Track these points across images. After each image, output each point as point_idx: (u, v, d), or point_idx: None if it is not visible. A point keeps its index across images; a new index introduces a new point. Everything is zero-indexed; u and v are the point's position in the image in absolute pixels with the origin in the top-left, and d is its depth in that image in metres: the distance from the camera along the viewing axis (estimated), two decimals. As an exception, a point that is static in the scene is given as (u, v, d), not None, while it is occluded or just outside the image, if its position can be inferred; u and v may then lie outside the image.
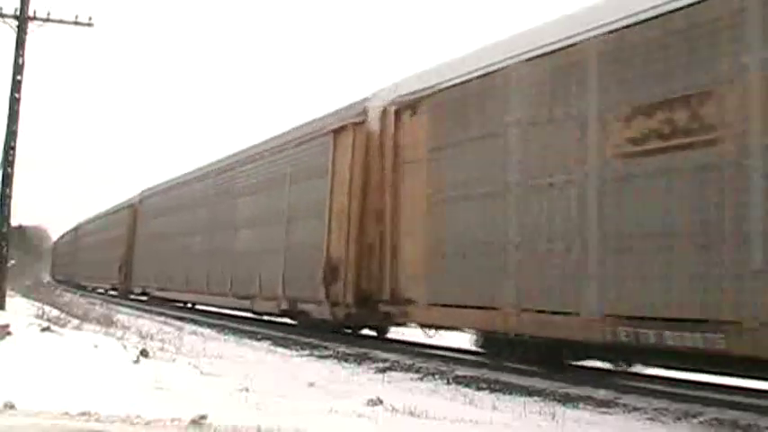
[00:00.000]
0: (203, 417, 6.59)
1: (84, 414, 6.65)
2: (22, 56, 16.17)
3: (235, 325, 19.95)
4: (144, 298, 32.32)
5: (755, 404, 8.32)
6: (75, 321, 14.87)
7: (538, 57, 10.74)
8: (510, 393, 9.57)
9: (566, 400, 9.04)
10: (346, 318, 15.30)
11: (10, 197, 16.28)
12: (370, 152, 14.76)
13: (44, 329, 11.26)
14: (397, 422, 7.25)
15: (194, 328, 19.16)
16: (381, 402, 7.88)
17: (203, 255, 24.72)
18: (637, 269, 9.06)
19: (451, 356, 12.88)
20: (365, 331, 16.91)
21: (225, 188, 23.50)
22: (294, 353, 14.30)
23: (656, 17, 9.10)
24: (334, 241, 15.39)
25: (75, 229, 59.26)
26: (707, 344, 8.13)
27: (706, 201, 8.36)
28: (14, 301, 18.74)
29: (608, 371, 10.89)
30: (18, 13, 16.18)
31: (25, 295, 23.56)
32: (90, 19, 16.98)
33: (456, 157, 12.26)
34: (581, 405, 8.76)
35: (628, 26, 9.46)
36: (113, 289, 38.98)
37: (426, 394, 9.36)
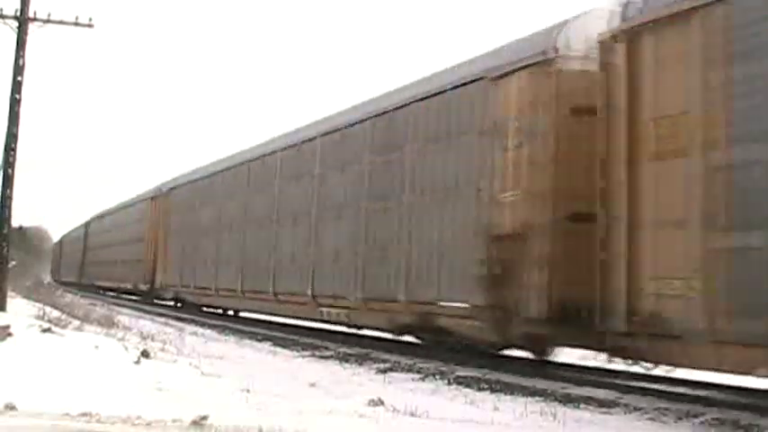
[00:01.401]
0: (204, 417, 6.60)
1: (85, 415, 6.66)
2: (23, 57, 16.15)
3: (236, 326, 19.95)
4: None
5: (756, 404, 8.31)
6: (76, 322, 14.86)
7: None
8: (511, 394, 9.57)
9: (567, 400, 9.04)
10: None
11: (10, 198, 16.25)
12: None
13: (45, 330, 11.26)
14: (398, 422, 7.25)
15: (195, 329, 19.17)
16: (382, 403, 7.89)
17: None
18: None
19: (452, 357, 12.88)
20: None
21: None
22: (295, 353, 14.31)
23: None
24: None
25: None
26: None
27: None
28: (15, 302, 18.74)
29: (609, 371, 10.89)
30: (18, 14, 16.17)
31: (26, 296, 23.56)
32: (90, 20, 16.94)
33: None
34: (582, 405, 8.76)
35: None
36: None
37: (427, 395, 9.37)
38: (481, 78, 11.97)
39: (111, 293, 37.74)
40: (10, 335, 10.20)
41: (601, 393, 9.29)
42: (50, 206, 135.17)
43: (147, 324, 18.46)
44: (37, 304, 18.45)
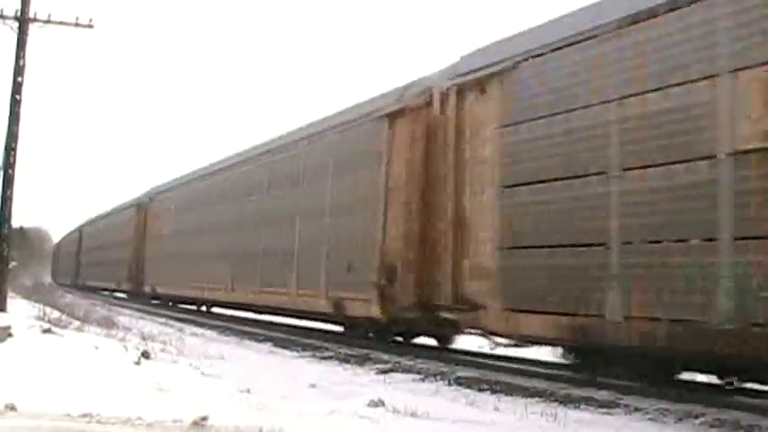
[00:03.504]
0: (205, 418, 6.59)
1: (85, 415, 6.65)
2: (23, 58, 16.17)
3: (236, 326, 19.94)
4: None
5: (757, 405, 8.31)
6: (77, 323, 14.87)
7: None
8: (511, 394, 9.56)
9: (567, 400, 9.03)
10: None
11: (11, 199, 16.27)
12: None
13: (45, 331, 11.26)
14: (398, 423, 7.25)
15: (195, 329, 19.17)
16: (383, 403, 7.88)
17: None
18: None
19: (453, 358, 12.87)
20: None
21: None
22: (295, 354, 14.30)
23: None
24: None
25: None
26: None
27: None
28: (15, 302, 18.75)
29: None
30: (19, 14, 16.18)
31: (26, 297, 23.56)
32: (90, 21, 16.98)
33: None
34: (582, 406, 8.75)
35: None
36: None
37: (428, 395, 9.36)
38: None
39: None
40: (10, 335, 10.20)
41: (601, 394, 9.28)
42: (51, 207, 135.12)
43: (148, 325, 18.45)
44: (37, 305, 18.46)
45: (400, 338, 15.09)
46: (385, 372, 11.66)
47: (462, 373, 11.18)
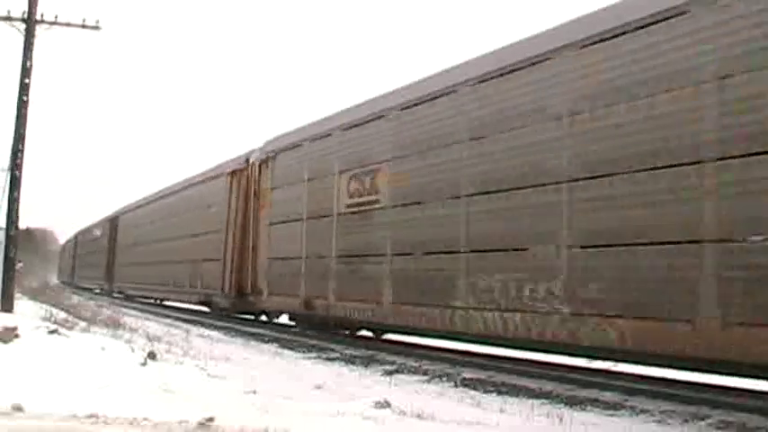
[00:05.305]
0: (210, 419, 6.61)
1: (91, 416, 6.67)
2: (30, 59, 16.20)
3: (242, 327, 19.97)
4: None
5: (763, 407, 8.28)
6: (83, 324, 14.91)
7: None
8: (517, 396, 9.56)
9: (573, 402, 9.02)
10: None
11: (18, 200, 16.30)
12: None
13: (52, 332, 11.29)
14: (404, 424, 7.25)
15: (201, 330, 19.20)
16: (389, 405, 7.89)
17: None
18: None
19: (459, 359, 12.86)
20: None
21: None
22: (301, 355, 14.32)
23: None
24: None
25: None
26: None
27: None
28: (22, 303, 18.79)
29: (615, 372, 10.87)
30: (26, 16, 16.21)
31: (33, 297, 23.62)
32: (97, 22, 16.99)
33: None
34: (588, 407, 8.74)
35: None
36: None
37: (433, 396, 9.36)
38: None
39: None
40: (17, 336, 10.24)
41: (607, 395, 9.28)
42: (56, 208, 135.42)
43: (153, 326, 18.48)
44: (44, 306, 18.50)
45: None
46: (390, 373, 11.67)
47: (468, 374, 11.18)
